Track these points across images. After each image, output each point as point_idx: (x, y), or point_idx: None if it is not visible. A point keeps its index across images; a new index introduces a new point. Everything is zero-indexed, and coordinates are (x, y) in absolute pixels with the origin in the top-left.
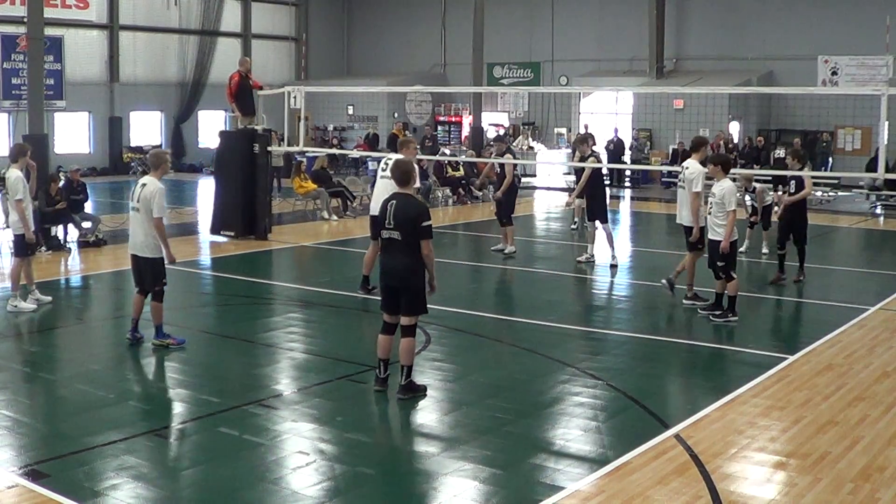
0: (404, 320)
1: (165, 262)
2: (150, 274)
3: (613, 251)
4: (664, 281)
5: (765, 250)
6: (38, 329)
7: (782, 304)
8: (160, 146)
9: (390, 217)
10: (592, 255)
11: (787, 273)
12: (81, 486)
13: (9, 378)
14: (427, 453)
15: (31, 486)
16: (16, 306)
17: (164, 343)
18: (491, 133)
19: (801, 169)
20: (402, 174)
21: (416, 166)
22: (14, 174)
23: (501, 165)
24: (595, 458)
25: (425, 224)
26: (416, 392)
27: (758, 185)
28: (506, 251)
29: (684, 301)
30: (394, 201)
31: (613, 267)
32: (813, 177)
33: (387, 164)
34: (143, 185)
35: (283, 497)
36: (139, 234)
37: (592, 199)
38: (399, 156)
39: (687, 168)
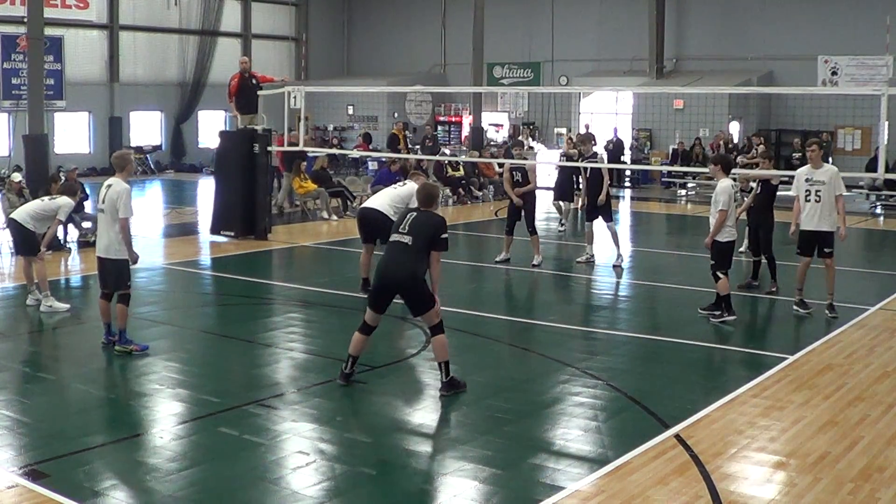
0: (426, 321)
1: (130, 264)
2: (114, 276)
3: (619, 251)
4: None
5: None
6: (38, 329)
7: (782, 303)
8: (160, 146)
9: (407, 224)
10: (592, 255)
11: (760, 280)
12: (81, 486)
13: (9, 378)
14: (427, 453)
15: (31, 486)
16: (50, 306)
17: (128, 349)
18: (491, 133)
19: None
20: (425, 196)
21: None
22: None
23: (520, 169)
24: (595, 458)
25: (444, 237)
26: (458, 389)
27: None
28: (535, 262)
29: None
30: (415, 213)
31: (617, 267)
32: None
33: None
34: (109, 185)
35: (283, 497)
36: (106, 236)
37: (595, 199)
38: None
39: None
